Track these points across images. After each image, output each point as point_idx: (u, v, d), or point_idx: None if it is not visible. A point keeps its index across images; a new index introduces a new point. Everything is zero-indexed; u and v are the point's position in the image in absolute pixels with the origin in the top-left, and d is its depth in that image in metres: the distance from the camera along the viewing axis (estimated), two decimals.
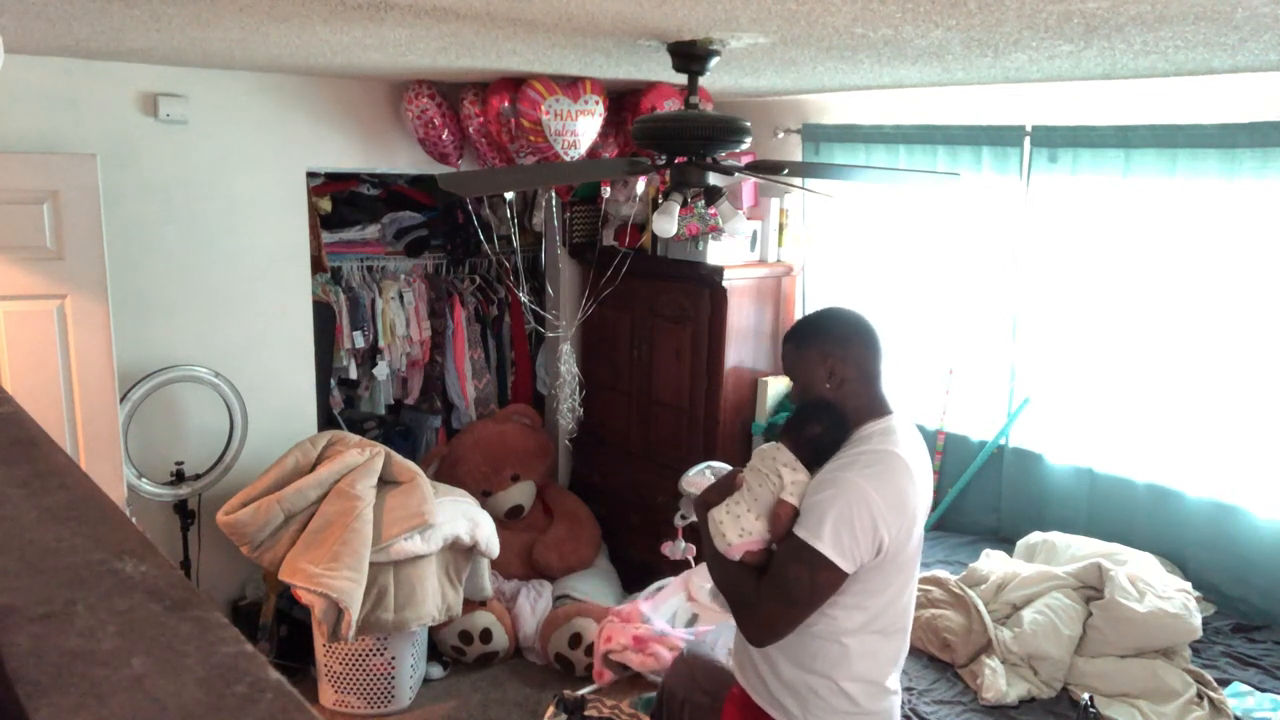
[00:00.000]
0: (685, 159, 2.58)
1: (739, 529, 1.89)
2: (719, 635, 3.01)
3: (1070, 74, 3.04)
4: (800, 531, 1.80)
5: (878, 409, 1.99)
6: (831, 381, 1.96)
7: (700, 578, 3.74)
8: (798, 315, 4.44)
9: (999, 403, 3.78)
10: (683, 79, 2.60)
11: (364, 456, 3.54)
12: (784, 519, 1.85)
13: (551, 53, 2.81)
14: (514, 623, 4.01)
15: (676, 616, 3.74)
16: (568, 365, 4.53)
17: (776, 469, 1.90)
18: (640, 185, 4.29)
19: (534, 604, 4.07)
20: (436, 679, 3.89)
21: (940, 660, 2.91)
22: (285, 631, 3.83)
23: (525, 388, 5.32)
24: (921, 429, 4.04)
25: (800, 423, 1.94)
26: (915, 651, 2.97)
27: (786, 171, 2.65)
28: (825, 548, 1.77)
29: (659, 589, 3.75)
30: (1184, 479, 3.29)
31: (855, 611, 1.87)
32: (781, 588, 1.82)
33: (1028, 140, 3.51)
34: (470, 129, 3.95)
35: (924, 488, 1.98)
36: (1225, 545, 3.20)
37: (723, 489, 1.99)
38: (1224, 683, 2.75)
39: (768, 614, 1.85)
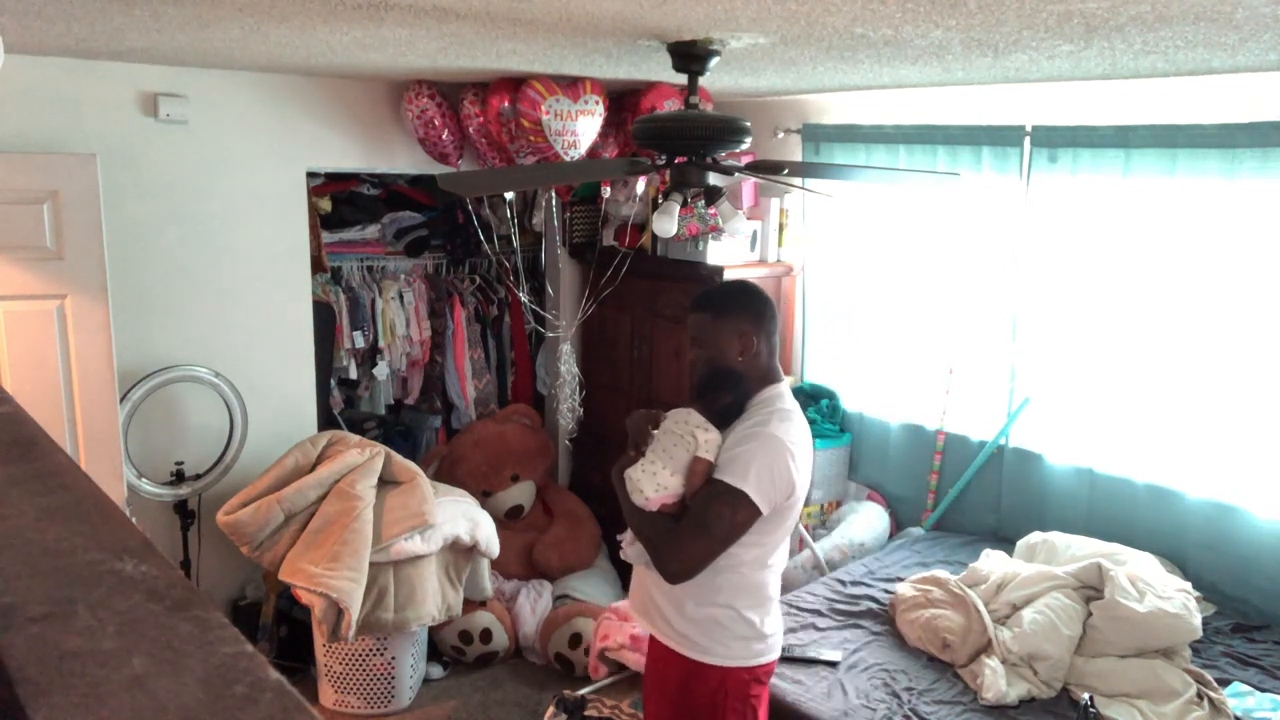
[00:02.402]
0: (685, 159, 2.59)
1: (655, 484, 2.11)
2: None
3: (1070, 74, 3.04)
4: (726, 477, 2.05)
5: (772, 376, 2.23)
6: (744, 355, 2.18)
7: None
8: (798, 315, 4.44)
9: (999, 403, 3.78)
10: (683, 79, 2.60)
11: (364, 456, 3.54)
12: (700, 473, 2.10)
13: (551, 53, 2.81)
14: (514, 623, 4.01)
15: None
16: (568, 365, 4.53)
17: (691, 431, 2.13)
18: (640, 185, 4.29)
19: (534, 604, 4.07)
20: (436, 679, 3.89)
21: (940, 660, 2.91)
22: (285, 631, 3.83)
23: (525, 388, 5.32)
24: (921, 429, 4.05)
25: (710, 391, 2.18)
26: (915, 651, 2.97)
27: (786, 171, 2.66)
28: (750, 489, 2.03)
29: None
30: (1184, 479, 3.29)
31: (753, 548, 2.14)
32: (705, 526, 2.06)
33: (1028, 140, 3.51)
34: (470, 129, 3.95)
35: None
36: (1225, 545, 3.20)
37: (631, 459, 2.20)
38: (1224, 683, 2.75)
39: (689, 551, 2.07)
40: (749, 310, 2.20)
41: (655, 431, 2.20)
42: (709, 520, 2.06)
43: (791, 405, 2.19)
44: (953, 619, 2.94)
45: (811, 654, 2.89)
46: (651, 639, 2.30)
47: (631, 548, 2.22)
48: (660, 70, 3.14)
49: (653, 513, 2.11)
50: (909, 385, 4.07)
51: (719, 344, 2.18)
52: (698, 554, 2.07)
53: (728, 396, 2.18)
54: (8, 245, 2.98)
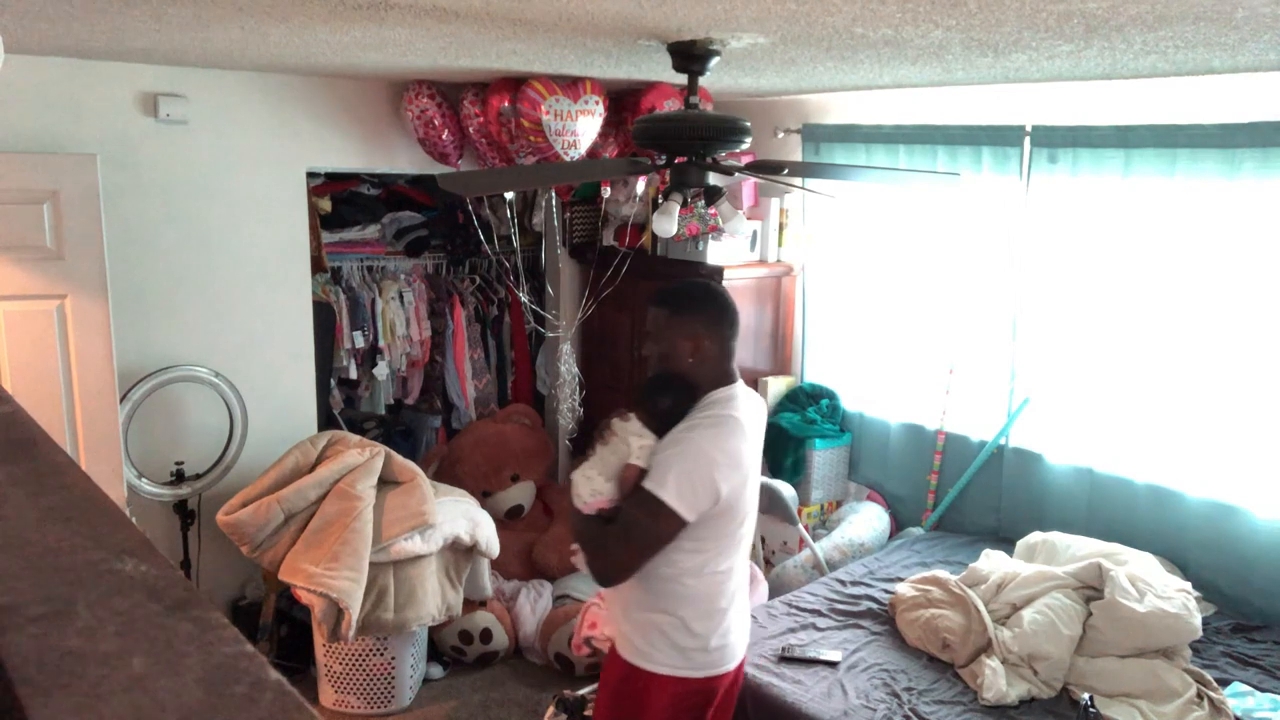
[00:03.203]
0: (685, 159, 2.59)
1: (590, 489, 2.13)
2: None
3: (1070, 74, 3.04)
4: (647, 483, 2.03)
5: (724, 379, 2.19)
6: (695, 357, 2.15)
7: None
8: (798, 315, 4.44)
9: (999, 403, 3.78)
10: (683, 79, 2.60)
11: (364, 456, 3.54)
12: (630, 479, 2.09)
13: (551, 53, 2.81)
14: (514, 623, 4.00)
15: None
16: (568, 365, 4.53)
17: (626, 436, 2.13)
18: (640, 185, 4.29)
19: (534, 604, 4.07)
20: (436, 679, 3.88)
21: (940, 660, 2.91)
22: (285, 631, 3.83)
23: (525, 388, 5.32)
24: (921, 429, 4.04)
25: (651, 395, 2.16)
26: (915, 651, 2.97)
27: (786, 171, 2.66)
28: (669, 497, 2.00)
29: None
30: (1184, 479, 3.29)
31: (695, 555, 2.11)
32: (627, 531, 2.06)
33: (1028, 140, 3.51)
34: (470, 129, 3.95)
35: (755, 446, 2.23)
36: (1225, 545, 3.20)
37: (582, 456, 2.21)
38: (1224, 683, 2.75)
39: (613, 555, 2.08)
40: (705, 312, 2.17)
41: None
42: (629, 526, 2.06)
43: (734, 410, 2.13)
44: (953, 619, 2.94)
45: (811, 654, 2.89)
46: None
47: (576, 555, 2.23)
48: (660, 70, 3.14)
49: (588, 516, 2.12)
50: (909, 385, 4.07)
51: (671, 342, 2.15)
52: (622, 559, 2.07)
53: (667, 400, 2.15)
54: (8, 245, 2.98)
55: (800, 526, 3.83)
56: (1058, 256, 3.54)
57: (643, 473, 2.07)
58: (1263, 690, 2.72)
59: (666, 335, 2.16)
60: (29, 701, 0.43)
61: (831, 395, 4.30)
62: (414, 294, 4.83)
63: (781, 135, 4.32)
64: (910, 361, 4.05)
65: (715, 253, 4.19)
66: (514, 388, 5.29)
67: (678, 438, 2.08)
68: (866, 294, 4.16)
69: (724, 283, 4.15)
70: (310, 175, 4.20)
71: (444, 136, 3.99)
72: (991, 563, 3.25)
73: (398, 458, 3.68)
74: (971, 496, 3.91)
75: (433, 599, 3.51)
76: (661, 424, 2.14)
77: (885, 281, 4.09)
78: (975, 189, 3.68)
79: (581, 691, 3.06)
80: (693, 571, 2.12)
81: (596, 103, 3.62)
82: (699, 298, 2.21)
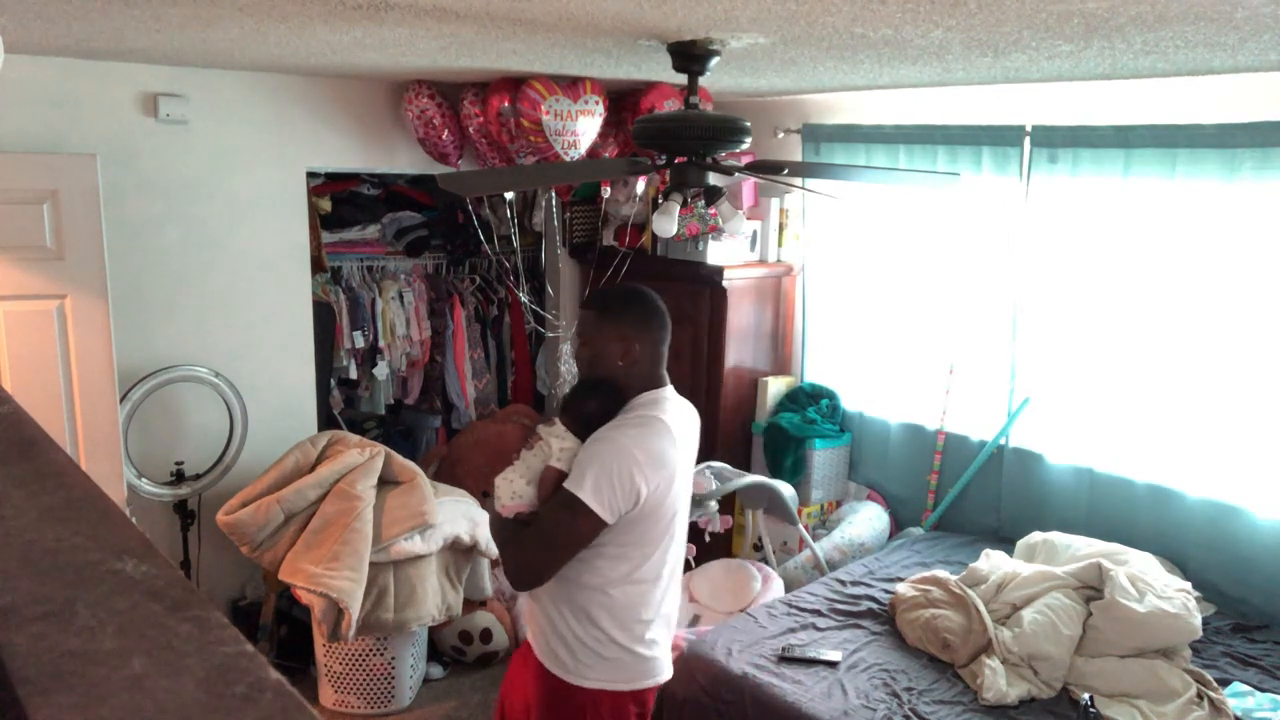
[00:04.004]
0: (685, 159, 2.59)
1: (511, 492, 2.09)
2: (719, 635, 3.02)
3: (1070, 74, 3.04)
4: (567, 484, 2.00)
5: (653, 383, 2.17)
6: (625, 360, 2.12)
7: (701, 578, 3.74)
8: (798, 315, 4.44)
9: (999, 402, 3.78)
10: (683, 79, 2.60)
11: (364, 456, 3.54)
12: (549, 481, 2.06)
13: (551, 53, 2.81)
14: (514, 623, 4.00)
15: (680, 618, 3.74)
16: (568, 365, 4.53)
17: (548, 439, 2.12)
18: (640, 185, 4.29)
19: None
20: (436, 679, 3.89)
21: (940, 660, 2.91)
22: (285, 631, 3.83)
23: (525, 388, 5.32)
24: (921, 429, 4.04)
25: (578, 399, 2.15)
26: (915, 651, 2.97)
27: (786, 171, 2.66)
28: (586, 496, 1.96)
29: None
30: (1184, 479, 3.29)
31: (619, 562, 2.06)
32: (544, 532, 2.02)
33: (1028, 140, 3.51)
34: (470, 129, 3.95)
35: (686, 450, 2.18)
36: (1225, 545, 3.20)
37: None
38: (1224, 683, 2.75)
39: (530, 557, 2.03)
40: (635, 315, 2.14)
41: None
42: (548, 527, 2.01)
43: (661, 412, 2.10)
44: (953, 619, 2.94)
45: (811, 654, 2.89)
46: (526, 645, 2.26)
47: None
48: (660, 70, 3.14)
49: (505, 520, 2.09)
50: (909, 385, 4.07)
51: (602, 345, 2.12)
52: (539, 561, 2.02)
53: (593, 404, 2.12)
54: (8, 245, 2.98)
55: (800, 526, 3.83)
56: (1058, 257, 3.54)
57: (562, 475, 2.03)
58: (1263, 690, 2.72)
59: (596, 338, 2.13)
60: (29, 701, 0.43)
61: (831, 395, 4.30)
62: (414, 294, 4.83)
63: (781, 135, 4.32)
64: (910, 361, 4.05)
65: (715, 253, 4.19)
66: (514, 388, 5.29)
67: (600, 437, 2.03)
68: (866, 294, 4.16)
69: (723, 283, 4.15)
70: (310, 175, 4.20)
71: (444, 136, 3.99)
72: (991, 563, 3.25)
73: (398, 458, 3.68)
74: (971, 496, 3.91)
75: (433, 599, 3.51)
76: (587, 428, 2.09)
77: (885, 281, 4.09)
78: (975, 189, 3.68)
79: None
80: (616, 581, 2.07)
81: (596, 103, 3.62)
82: (630, 301, 2.17)
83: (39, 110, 3.35)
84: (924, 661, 2.92)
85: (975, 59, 2.68)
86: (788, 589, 3.56)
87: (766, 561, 3.85)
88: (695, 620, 3.56)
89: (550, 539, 2.01)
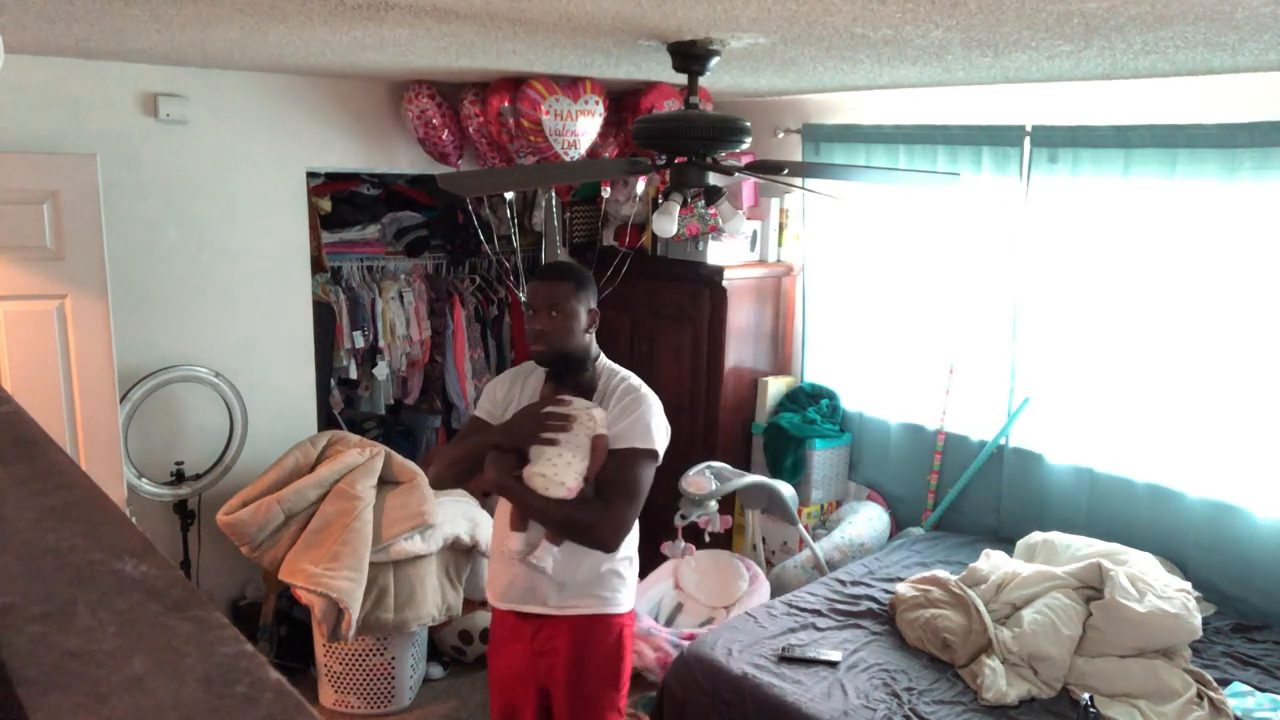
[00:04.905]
0: (685, 159, 2.59)
1: (574, 473, 2.21)
2: (719, 635, 3.02)
3: (1070, 74, 3.04)
4: (635, 442, 2.24)
5: (596, 349, 2.41)
6: (591, 328, 2.36)
7: (688, 567, 3.74)
8: (798, 315, 4.44)
9: (999, 402, 3.78)
10: (683, 79, 2.60)
11: (364, 456, 3.54)
12: (602, 448, 2.24)
13: (551, 53, 2.81)
14: None
15: (662, 605, 3.74)
16: None
17: (588, 412, 2.25)
18: (640, 185, 4.29)
19: None
20: (436, 679, 3.89)
21: (940, 660, 2.91)
22: (285, 631, 3.83)
23: None
24: (921, 429, 4.05)
25: (571, 370, 2.34)
26: (915, 651, 2.97)
27: (786, 171, 2.65)
28: (657, 445, 2.27)
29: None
30: (1184, 479, 3.29)
31: None
32: (631, 491, 2.23)
33: (1028, 140, 3.51)
34: (470, 129, 3.95)
35: None
36: (1225, 545, 3.20)
37: (500, 458, 2.27)
38: (1224, 683, 2.75)
39: (622, 514, 2.22)
40: (594, 288, 2.38)
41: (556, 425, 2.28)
42: (632, 484, 2.23)
43: (624, 369, 2.41)
44: (953, 619, 2.94)
45: (811, 654, 2.89)
46: (514, 620, 2.37)
47: (546, 552, 2.24)
48: (660, 70, 3.14)
49: (572, 500, 2.21)
50: (909, 385, 4.07)
51: (574, 316, 2.30)
52: (631, 515, 2.25)
53: (585, 373, 2.35)
54: (8, 245, 2.98)
55: (800, 526, 3.83)
56: (1057, 257, 3.53)
57: (605, 439, 2.24)
58: (1263, 690, 2.72)
59: (569, 307, 2.29)
60: (29, 701, 0.43)
61: (831, 395, 4.30)
62: (414, 294, 4.83)
63: (781, 135, 4.32)
64: (910, 361, 4.05)
65: (715, 253, 4.19)
66: None
67: (634, 396, 2.30)
68: (866, 294, 4.16)
69: (723, 283, 4.15)
70: (310, 175, 4.20)
71: (444, 136, 3.99)
72: (991, 563, 3.25)
73: (398, 458, 3.68)
74: (971, 496, 3.91)
75: (433, 599, 3.51)
76: (588, 395, 2.32)
77: (885, 281, 4.09)
78: (975, 189, 3.68)
79: None
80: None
81: (596, 103, 3.62)
82: (587, 275, 2.40)
83: (39, 110, 3.35)
84: (924, 661, 2.92)
85: (975, 59, 2.68)
86: (788, 589, 3.56)
87: (759, 562, 3.85)
88: (678, 609, 3.56)
89: (637, 492, 2.24)
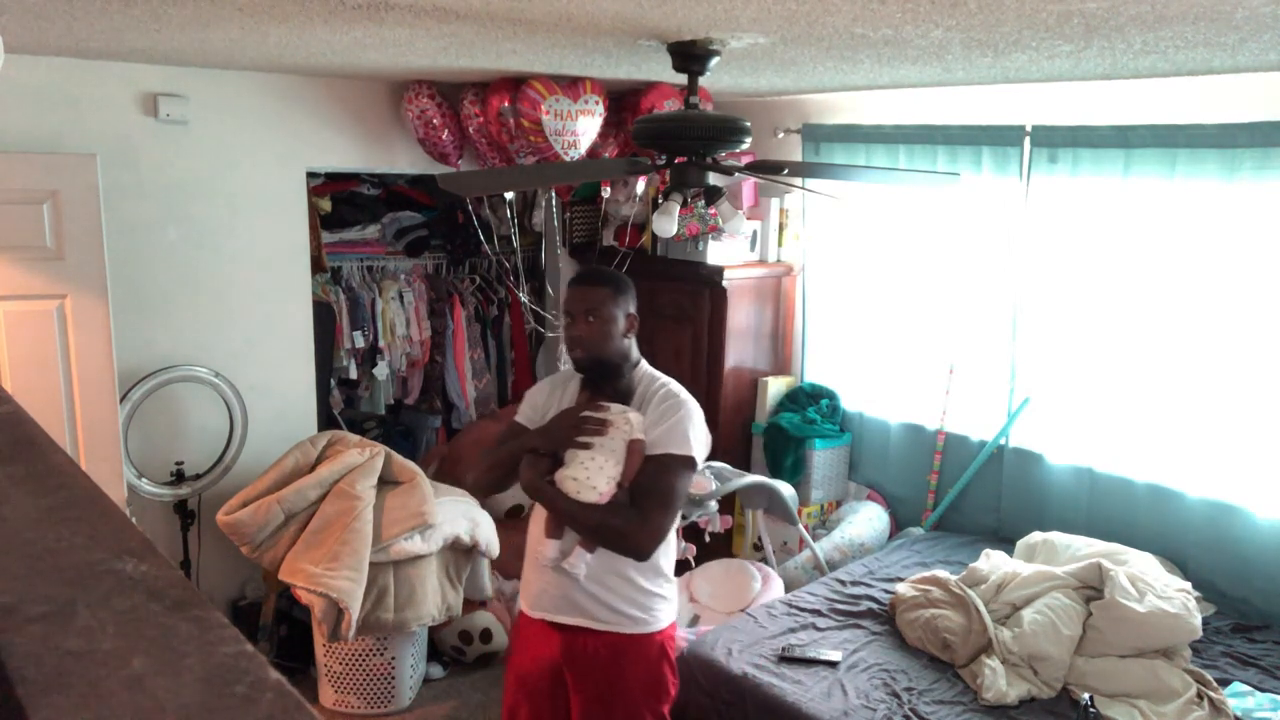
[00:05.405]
0: (685, 159, 2.59)
1: (606, 478, 2.17)
2: (719, 635, 3.02)
3: (1070, 74, 3.04)
4: (672, 448, 2.19)
5: (636, 355, 2.39)
6: (629, 334, 2.33)
7: (701, 578, 3.74)
8: (798, 315, 4.44)
9: (999, 402, 3.78)
10: (683, 79, 2.60)
11: (364, 456, 3.54)
12: (638, 453, 2.20)
13: (551, 53, 2.81)
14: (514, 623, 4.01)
15: (679, 618, 3.74)
16: (567, 365, 4.52)
17: (625, 417, 2.21)
18: (640, 185, 4.29)
19: None
20: (436, 679, 3.88)
21: (940, 660, 2.91)
22: (285, 631, 3.83)
23: (525, 387, 5.28)
24: (921, 429, 4.05)
25: (609, 379, 2.31)
26: (915, 651, 2.97)
27: (786, 171, 2.66)
28: (695, 452, 2.21)
29: None
30: (1184, 479, 3.29)
31: None
32: (666, 498, 2.17)
33: (1028, 140, 3.51)
34: (470, 129, 3.95)
35: None
36: (1225, 545, 3.20)
37: (535, 461, 2.24)
38: (1224, 683, 2.75)
39: (658, 523, 2.17)
40: (633, 293, 2.35)
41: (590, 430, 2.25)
42: (668, 492, 2.17)
43: (665, 376, 2.37)
44: (953, 619, 2.94)
45: (811, 654, 2.89)
46: (541, 625, 2.33)
47: (579, 558, 2.21)
48: (660, 70, 3.14)
49: (607, 505, 2.17)
50: (909, 385, 4.07)
51: (612, 320, 2.28)
52: (666, 524, 2.20)
53: (623, 379, 2.32)
54: (8, 245, 2.97)
55: (800, 526, 3.83)
56: (1057, 257, 3.53)
57: (643, 444, 2.20)
58: (1263, 690, 2.72)
59: (606, 311, 2.28)
60: (29, 701, 0.43)
61: (831, 395, 4.30)
62: (414, 294, 4.83)
63: (781, 135, 4.32)
64: (910, 361, 4.05)
65: (715, 253, 4.19)
66: (514, 388, 5.29)
67: (672, 402, 2.25)
68: (866, 294, 4.16)
69: (723, 283, 4.15)
70: (310, 175, 4.20)
71: (444, 136, 3.99)
72: (991, 563, 3.25)
73: (398, 458, 3.68)
74: (971, 496, 3.91)
75: (433, 599, 3.51)
76: (627, 401, 2.29)
77: (885, 281, 4.09)
78: (975, 189, 3.68)
79: None
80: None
81: (596, 103, 3.62)
82: (626, 280, 2.36)
83: (39, 110, 3.35)
84: (924, 661, 2.92)
85: (975, 59, 2.68)
86: (788, 589, 3.56)
87: (766, 561, 3.85)
88: (695, 620, 3.56)
89: (673, 500, 2.18)
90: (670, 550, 2.32)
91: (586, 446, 2.19)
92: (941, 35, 2.23)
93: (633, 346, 2.35)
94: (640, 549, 2.18)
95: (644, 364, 2.39)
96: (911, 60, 2.74)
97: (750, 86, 3.80)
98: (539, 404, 2.43)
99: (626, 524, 2.16)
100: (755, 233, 4.35)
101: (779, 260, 4.45)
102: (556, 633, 2.31)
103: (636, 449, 2.19)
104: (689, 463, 2.20)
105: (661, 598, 2.30)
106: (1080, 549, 3.22)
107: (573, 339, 2.30)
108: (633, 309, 2.33)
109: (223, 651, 0.48)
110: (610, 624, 2.27)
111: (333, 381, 4.64)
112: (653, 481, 2.18)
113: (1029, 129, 3.51)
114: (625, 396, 2.30)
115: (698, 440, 2.23)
